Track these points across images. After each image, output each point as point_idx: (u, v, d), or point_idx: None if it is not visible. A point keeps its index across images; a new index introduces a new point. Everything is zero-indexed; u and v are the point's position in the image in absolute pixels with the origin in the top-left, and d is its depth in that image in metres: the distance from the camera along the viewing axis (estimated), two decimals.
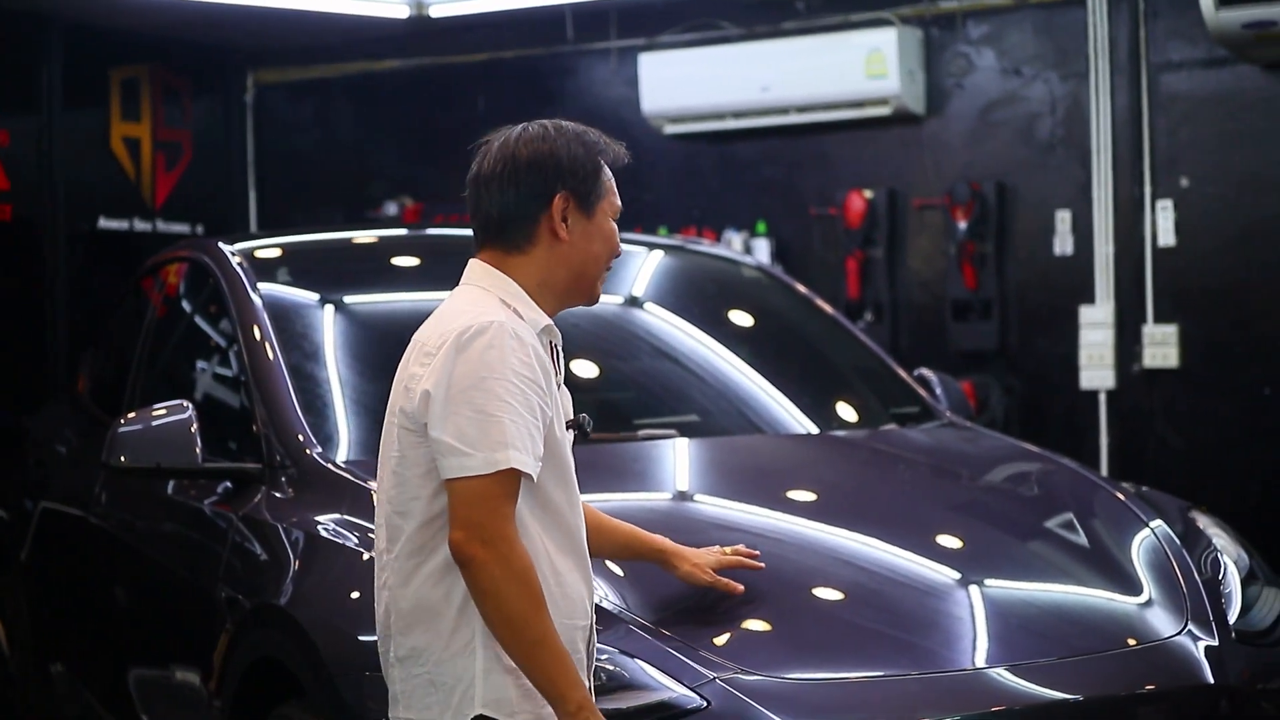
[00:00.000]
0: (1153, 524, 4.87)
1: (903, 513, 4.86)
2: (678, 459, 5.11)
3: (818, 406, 5.75)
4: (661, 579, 4.07)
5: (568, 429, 3.43)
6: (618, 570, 4.09)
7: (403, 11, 9.90)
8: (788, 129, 9.35)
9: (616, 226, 3.49)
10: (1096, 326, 8.61)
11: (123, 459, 4.95)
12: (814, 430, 5.59)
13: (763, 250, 9.41)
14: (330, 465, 4.77)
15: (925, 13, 9.06)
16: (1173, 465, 8.47)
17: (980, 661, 4.10)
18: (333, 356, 5.23)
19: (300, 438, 4.87)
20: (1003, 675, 4.05)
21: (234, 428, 5.24)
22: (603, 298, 3.58)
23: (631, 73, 9.71)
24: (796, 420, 5.62)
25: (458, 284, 3.48)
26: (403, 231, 7.02)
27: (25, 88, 10.10)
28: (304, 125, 11.29)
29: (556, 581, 3.31)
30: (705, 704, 3.76)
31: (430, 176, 10.66)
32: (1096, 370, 8.62)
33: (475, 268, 3.45)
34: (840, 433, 5.65)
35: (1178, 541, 4.79)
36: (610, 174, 3.47)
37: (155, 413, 4.99)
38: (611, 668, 3.78)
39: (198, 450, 4.87)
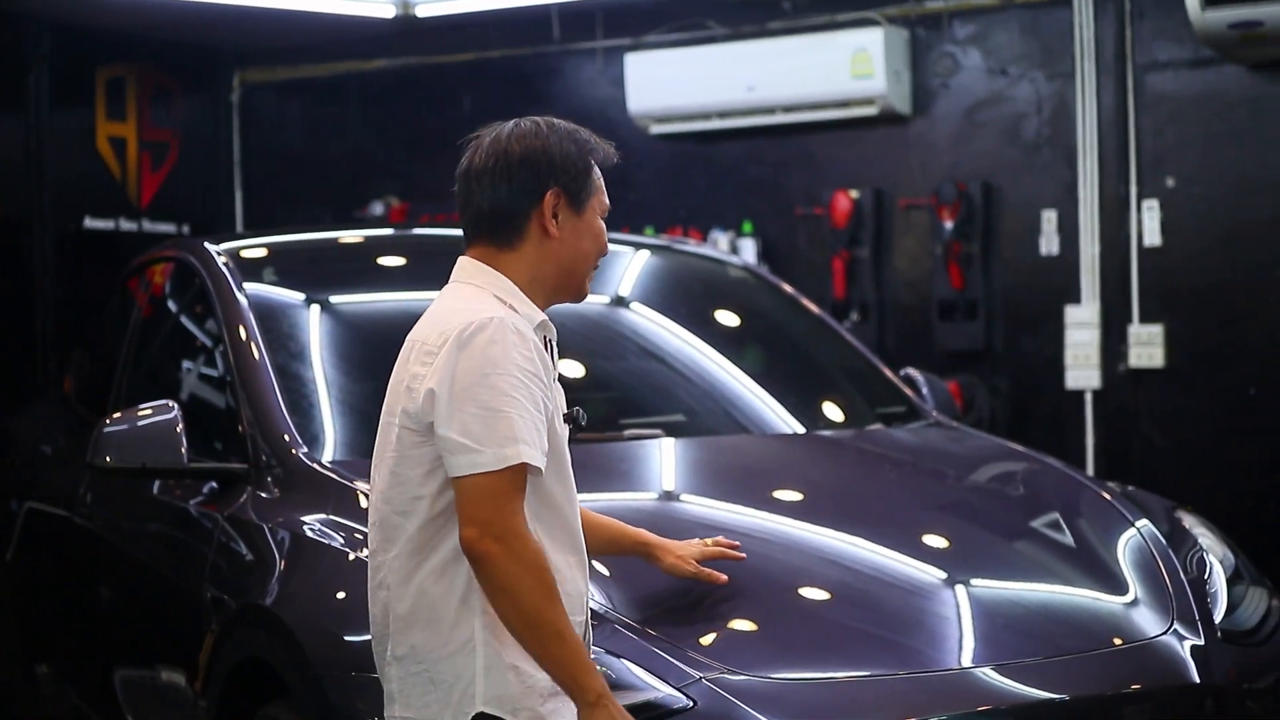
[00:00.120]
0: (1138, 524, 4.87)
1: (889, 512, 4.86)
2: (663, 459, 5.10)
3: (804, 406, 5.75)
4: (648, 578, 4.07)
5: (564, 423, 3.44)
6: (604, 569, 4.08)
7: (389, 11, 9.90)
8: (774, 129, 9.36)
9: (604, 225, 3.50)
10: (1082, 326, 8.62)
11: (108, 459, 4.94)
12: (800, 430, 5.59)
13: (749, 250, 9.41)
14: (316, 465, 4.76)
15: (911, 13, 9.07)
16: (1158, 465, 8.49)
17: (966, 661, 4.10)
18: (318, 356, 5.22)
19: (286, 438, 4.86)
20: (989, 675, 4.05)
21: (220, 428, 5.23)
22: (589, 297, 3.59)
23: (617, 73, 9.71)
24: (783, 420, 5.62)
25: (445, 283, 3.48)
26: (389, 231, 7.02)
27: (11, 87, 10.10)
28: (290, 125, 11.28)
29: (558, 578, 3.32)
30: (691, 704, 3.76)
31: (417, 176, 10.66)
32: (1082, 370, 8.63)
33: (466, 265, 3.45)
34: (826, 432, 5.65)
35: (1163, 541, 4.79)
36: (600, 173, 3.49)
37: (141, 413, 4.98)
38: (598, 667, 3.77)
39: (183, 450, 4.86)
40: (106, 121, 10.61)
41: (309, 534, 4.50)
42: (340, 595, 4.20)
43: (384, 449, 3.38)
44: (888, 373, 6.07)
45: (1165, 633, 4.35)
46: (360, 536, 4.30)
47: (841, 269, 9.23)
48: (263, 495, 4.81)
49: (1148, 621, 4.39)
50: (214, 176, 11.17)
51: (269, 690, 4.37)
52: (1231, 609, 4.62)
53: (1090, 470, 8.44)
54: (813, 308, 6.34)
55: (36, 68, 10.10)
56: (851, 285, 9.26)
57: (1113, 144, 8.58)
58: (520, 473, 3.22)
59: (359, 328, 5.46)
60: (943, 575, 4.44)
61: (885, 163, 9.24)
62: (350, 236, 6.36)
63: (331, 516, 4.51)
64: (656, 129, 9.54)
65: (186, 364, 5.83)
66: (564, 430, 3.44)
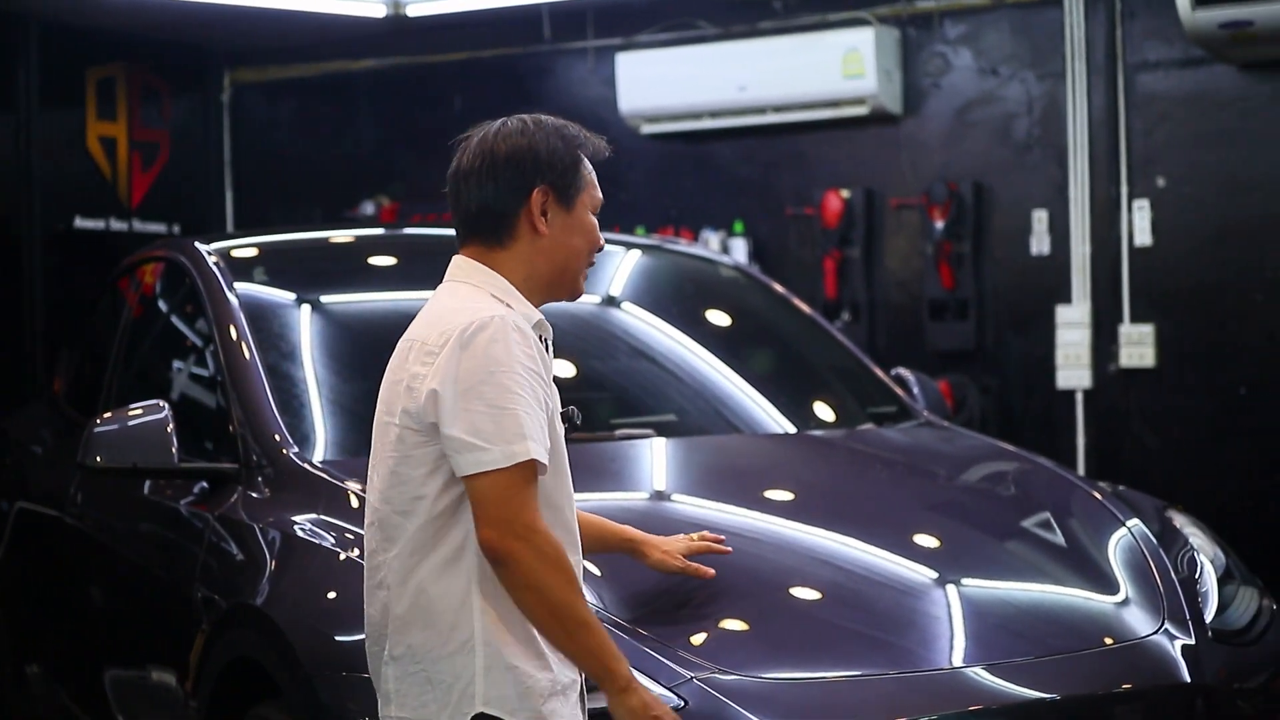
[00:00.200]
0: (1129, 523, 4.88)
1: (880, 512, 4.86)
2: (655, 459, 5.10)
3: (795, 406, 5.75)
4: (638, 578, 4.07)
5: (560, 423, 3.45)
6: (594, 569, 4.08)
7: (380, 11, 9.89)
8: (765, 129, 9.36)
9: (596, 220, 3.49)
10: (1073, 326, 8.62)
11: (99, 459, 4.93)
12: (791, 430, 5.59)
13: (740, 250, 9.41)
14: (307, 465, 4.75)
15: (902, 12, 9.07)
16: (1149, 464, 8.49)
17: (958, 661, 4.10)
18: (309, 356, 5.22)
19: (277, 437, 4.85)
20: (980, 675, 4.05)
21: (210, 428, 5.22)
22: (582, 296, 3.58)
23: (608, 72, 9.71)
24: (774, 420, 5.62)
25: (436, 283, 3.48)
26: (380, 231, 7.01)
27: (1, 87, 10.08)
28: (281, 125, 11.27)
29: None
30: (683, 704, 3.76)
31: (407, 176, 10.65)
32: (1073, 370, 8.64)
33: (461, 264, 3.44)
34: (817, 432, 5.65)
35: (1154, 541, 4.80)
36: (590, 167, 3.47)
37: (131, 413, 4.97)
38: None
39: (174, 450, 4.86)
40: (97, 121, 10.60)
41: (300, 534, 4.50)
42: (331, 595, 4.20)
43: (382, 449, 3.37)
44: (879, 372, 6.07)
45: (1156, 632, 4.36)
46: (351, 536, 4.29)
47: (832, 269, 9.23)
48: (253, 495, 4.80)
49: (1138, 621, 4.40)
50: (205, 176, 11.16)
51: (260, 690, 4.37)
52: (1222, 608, 4.62)
53: (1081, 470, 8.44)
54: (804, 307, 6.34)
55: (26, 67, 10.09)
56: (842, 285, 9.26)
57: (1103, 144, 8.58)
58: (531, 469, 3.22)
59: (350, 327, 5.45)
60: (934, 575, 4.44)
61: (876, 162, 9.24)
62: (341, 236, 6.35)
63: (322, 516, 4.51)
64: (648, 129, 9.54)
65: (177, 364, 5.82)
66: (561, 430, 3.44)
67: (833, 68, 8.95)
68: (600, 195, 3.49)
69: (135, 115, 10.77)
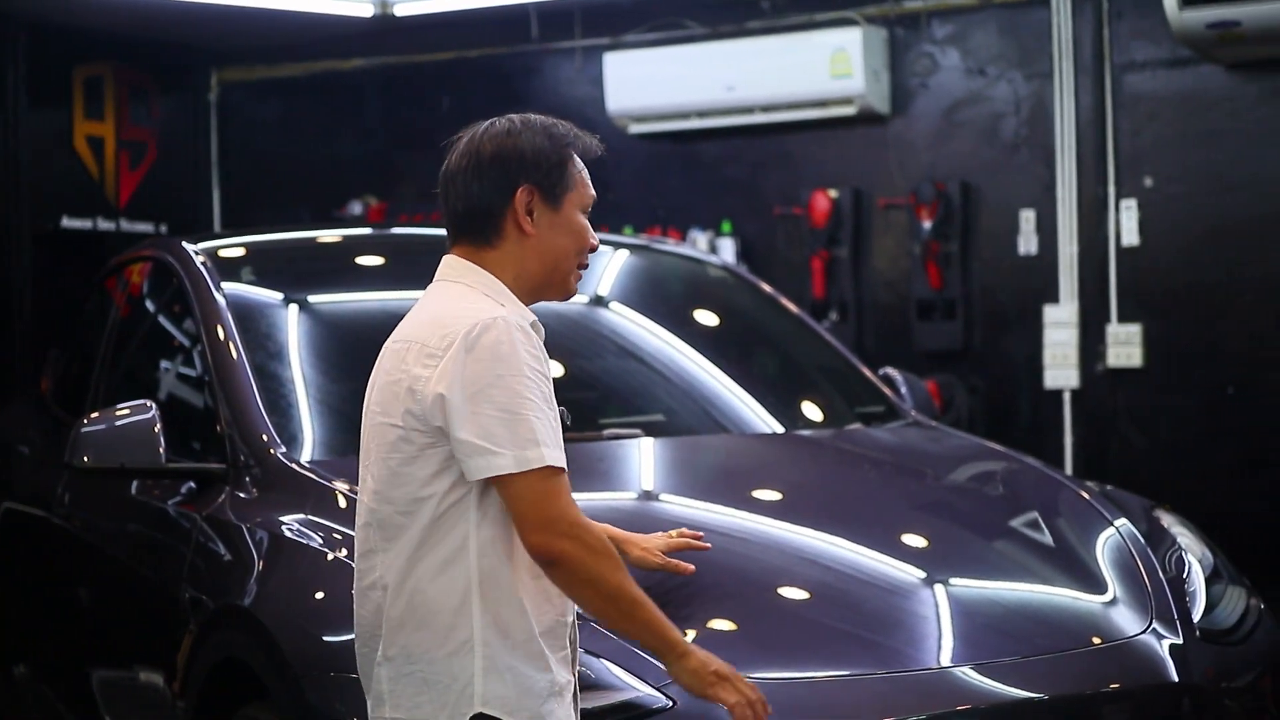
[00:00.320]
0: (1117, 523, 4.88)
1: (868, 512, 4.87)
2: (643, 458, 5.10)
3: (783, 406, 5.76)
4: None
5: None
6: None
7: (367, 10, 9.89)
8: (753, 128, 9.36)
9: (588, 220, 3.47)
10: (1060, 326, 8.63)
11: (86, 459, 4.93)
12: (779, 429, 5.59)
13: (728, 250, 9.41)
14: (294, 465, 4.75)
15: (890, 12, 9.07)
16: (1136, 464, 8.50)
17: (945, 661, 4.10)
18: (297, 356, 5.21)
19: (264, 438, 4.85)
20: (968, 674, 4.05)
21: (198, 428, 5.22)
22: (572, 298, 3.57)
23: (596, 72, 9.71)
24: (762, 419, 5.62)
25: (424, 283, 3.46)
26: (367, 231, 7.01)
27: None
28: (268, 124, 11.26)
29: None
30: (670, 704, 3.76)
31: (395, 176, 10.65)
32: (1061, 370, 8.64)
33: (452, 263, 3.42)
34: (805, 432, 5.65)
35: (1142, 540, 4.80)
36: (581, 166, 3.44)
37: (119, 413, 4.96)
38: (579, 668, 3.77)
39: (161, 450, 4.85)
40: (84, 121, 10.58)
41: (287, 534, 4.49)
42: (319, 595, 4.19)
43: (378, 449, 3.34)
44: (866, 372, 6.08)
45: (1144, 632, 4.36)
46: (339, 536, 4.29)
47: (820, 268, 9.24)
48: (241, 495, 4.80)
49: (1126, 621, 4.40)
50: (192, 176, 11.15)
51: (247, 691, 4.36)
52: (1210, 608, 4.63)
53: (1068, 469, 8.45)
54: (792, 307, 6.34)
55: (13, 67, 10.06)
56: (830, 285, 9.26)
57: (1091, 144, 8.59)
58: (559, 467, 3.24)
59: (337, 327, 5.45)
60: (922, 575, 4.45)
61: (864, 162, 9.25)
62: (328, 236, 6.35)
63: (310, 516, 4.50)
64: (635, 128, 9.54)
65: (164, 364, 5.81)
66: None
67: (820, 68, 8.95)
68: (592, 194, 3.45)
69: (123, 115, 10.76)
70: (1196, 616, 4.53)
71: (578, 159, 3.43)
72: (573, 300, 3.62)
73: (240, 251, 5.91)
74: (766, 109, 9.20)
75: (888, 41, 9.06)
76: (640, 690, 3.78)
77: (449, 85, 10.41)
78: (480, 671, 3.24)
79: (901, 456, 5.54)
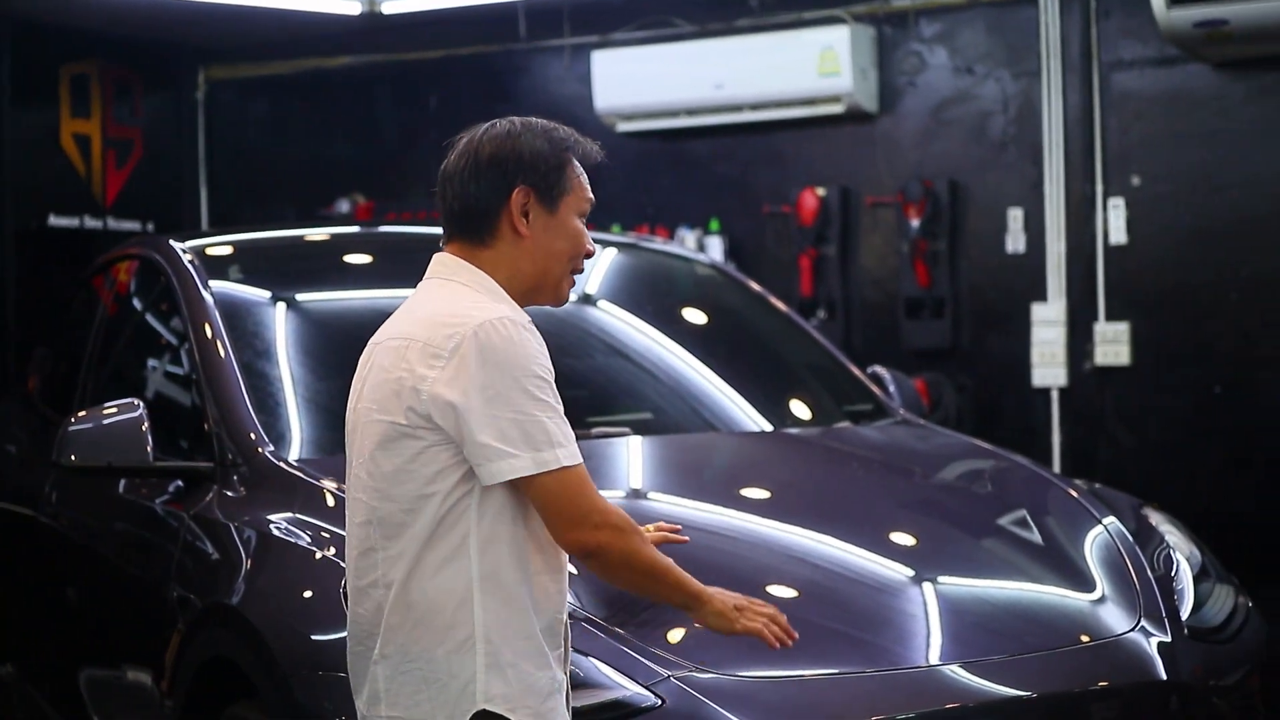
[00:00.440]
0: (1105, 521, 4.89)
1: (857, 510, 4.87)
2: (631, 457, 5.10)
3: (771, 404, 5.75)
4: None
5: None
6: (571, 568, 4.07)
7: (355, 8, 9.87)
8: (741, 127, 9.36)
9: (584, 225, 3.45)
10: (1048, 324, 8.64)
11: (73, 458, 4.92)
12: (768, 428, 5.59)
13: (716, 248, 9.41)
14: (282, 464, 4.74)
15: (878, 11, 9.07)
16: (1124, 463, 8.51)
17: (934, 659, 4.10)
18: (285, 354, 5.21)
19: (252, 436, 4.84)
20: (957, 672, 4.05)
21: (186, 426, 5.21)
22: (565, 303, 3.56)
23: (584, 70, 9.70)
24: (750, 418, 5.61)
25: (412, 280, 3.45)
26: (355, 229, 7.00)
27: None
28: (256, 122, 11.24)
29: (551, 577, 3.34)
30: (660, 702, 3.76)
31: (382, 174, 10.64)
32: (1048, 368, 8.65)
33: (448, 261, 3.41)
34: (794, 430, 5.65)
35: (1130, 539, 4.81)
36: (580, 170, 3.43)
37: (106, 411, 4.96)
38: (570, 666, 3.77)
39: (149, 449, 4.84)
40: (70, 118, 10.56)
41: (275, 533, 4.49)
42: (307, 594, 4.18)
43: (374, 447, 3.33)
44: (855, 370, 6.08)
45: (1132, 630, 4.37)
46: (327, 535, 4.28)
47: (808, 267, 9.24)
48: (229, 494, 4.79)
49: (1115, 619, 4.41)
50: (179, 174, 11.13)
51: (235, 690, 4.35)
52: (1198, 606, 4.64)
53: (1057, 468, 8.45)
54: (780, 305, 6.34)
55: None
56: (818, 283, 9.26)
57: (1078, 142, 8.60)
58: (577, 464, 3.27)
59: (325, 325, 5.44)
60: (910, 573, 4.45)
61: (852, 161, 9.25)
62: (316, 234, 6.34)
63: (298, 515, 4.49)
64: (623, 126, 9.53)
65: (152, 362, 5.80)
66: None
67: (809, 66, 8.95)
68: (590, 199, 3.44)
69: (109, 112, 10.74)
70: (1184, 614, 4.53)
71: (577, 164, 3.42)
72: None
73: (228, 250, 5.91)
74: (755, 107, 9.20)
75: (876, 40, 9.06)
76: (629, 689, 3.78)
77: (437, 83, 10.40)
78: (482, 669, 3.24)
79: (890, 455, 5.54)
